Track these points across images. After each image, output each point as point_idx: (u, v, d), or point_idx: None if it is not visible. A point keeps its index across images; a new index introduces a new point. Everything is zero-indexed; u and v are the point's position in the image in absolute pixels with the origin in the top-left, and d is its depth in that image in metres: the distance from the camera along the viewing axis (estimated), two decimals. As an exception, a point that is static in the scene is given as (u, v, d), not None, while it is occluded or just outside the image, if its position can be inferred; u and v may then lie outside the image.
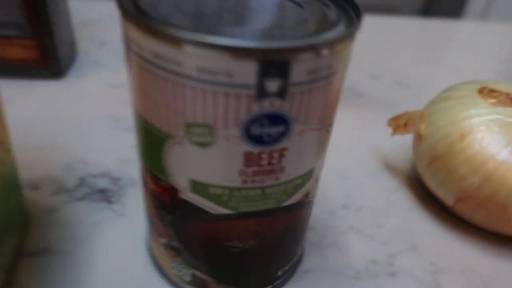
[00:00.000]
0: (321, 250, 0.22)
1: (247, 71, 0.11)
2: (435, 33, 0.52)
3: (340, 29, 0.13)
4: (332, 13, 0.14)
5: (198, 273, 0.17)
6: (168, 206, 0.16)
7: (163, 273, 0.19)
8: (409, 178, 0.27)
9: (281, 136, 0.13)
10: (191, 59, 0.11)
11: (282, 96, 0.12)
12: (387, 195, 0.26)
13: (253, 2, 0.15)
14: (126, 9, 0.12)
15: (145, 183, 0.16)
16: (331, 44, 0.12)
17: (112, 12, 0.46)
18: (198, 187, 0.14)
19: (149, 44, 0.12)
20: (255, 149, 0.13)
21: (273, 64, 0.11)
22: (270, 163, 0.14)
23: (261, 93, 0.12)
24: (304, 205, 0.16)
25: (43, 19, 0.29)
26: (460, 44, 0.50)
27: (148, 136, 0.14)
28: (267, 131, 0.13)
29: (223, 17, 0.13)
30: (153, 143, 0.14)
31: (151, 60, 0.12)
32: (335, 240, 0.22)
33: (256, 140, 0.13)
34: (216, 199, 0.14)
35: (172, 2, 0.14)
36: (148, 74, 0.13)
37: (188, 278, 0.18)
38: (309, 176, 0.15)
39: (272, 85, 0.12)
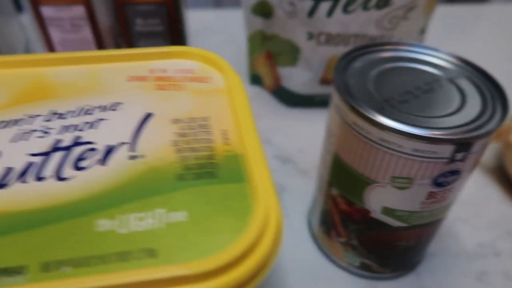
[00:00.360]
0: (438, 238, 0.29)
1: (446, 149, 0.18)
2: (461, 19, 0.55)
3: (498, 115, 0.19)
4: (486, 100, 0.20)
5: (366, 261, 0.25)
6: (356, 221, 0.23)
7: (333, 260, 0.27)
8: (498, 176, 0.34)
9: (454, 181, 0.20)
10: (409, 143, 0.18)
11: (463, 160, 0.19)
12: (479, 190, 0.32)
13: (422, 83, 0.21)
14: (355, 107, 0.19)
15: (335, 203, 0.23)
16: (497, 127, 0.18)
17: (207, 23, 0.52)
18: (388, 210, 0.21)
19: (375, 132, 0.18)
20: (436, 190, 0.20)
21: (463, 144, 0.18)
22: (442, 197, 0.20)
23: (451, 160, 0.18)
24: (444, 217, 0.23)
25: (179, 29, 0.35)
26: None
27: (350, 176, 0.21)
28: (447, 179, 0.19)
29: (411, 103, 0.19)
30: (355, 182, 0.21)
31: (375, 141, 0.19)
32: (447, 229, 0.29)
33: (438, 185, 0.19)
34: (399, 218, 0.21)
35: (359, 84, 0.20)
36: (365, 145, 0.19)
37: (356, 264, 0.25)
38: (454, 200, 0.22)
39: (460, 155, 0.18)
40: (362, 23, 0.32)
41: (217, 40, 0.48)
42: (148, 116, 0.17)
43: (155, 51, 0.20)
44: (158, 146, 0.16)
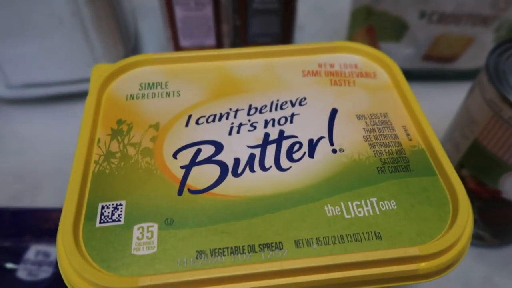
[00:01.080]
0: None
1: None
2: None
3: None
4: None
5: (481, 232, 0.27)
6: (483, 199, 0.25)
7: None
8: None
9: None
10: None
11: None
12: None
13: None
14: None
15: (463, 182, 0.25)
16: None
17: None
18: (520, 193, 0.23)
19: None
20: None
21: None
22: None
23: None
24: None
25: (291, 28, 0.37)
26: None
27: (490, 162, 0.23)
28: None
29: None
30: (495, 167, 0.23)
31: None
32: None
33: None
34: (529, 200, 0.24)
35: None
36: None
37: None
38: None
39: None
40: (477, 2, 0.32)
41: (303, 9, 0.49)
42: (334, 112, 0.20)
43: (322, 46, 0.22)
44: (353, 141, 0.18)
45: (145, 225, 0.16)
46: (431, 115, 0.37)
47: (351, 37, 0.41)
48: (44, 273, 0.25)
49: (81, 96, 0.37)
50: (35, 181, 0.31)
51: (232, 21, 0.36)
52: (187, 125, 0.19)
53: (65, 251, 0.14)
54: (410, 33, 0.35)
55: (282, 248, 0.15)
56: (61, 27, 0.32)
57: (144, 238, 0.15)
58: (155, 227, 0.16)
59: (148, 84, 0.21)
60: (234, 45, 0.38)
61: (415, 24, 0.35)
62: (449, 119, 0.34)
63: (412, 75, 0.39)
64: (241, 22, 0.35)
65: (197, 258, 0.15)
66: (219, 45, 0.38)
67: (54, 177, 0.31)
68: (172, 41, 0.37)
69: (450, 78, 0.40)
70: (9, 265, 0.25)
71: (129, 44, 0.38)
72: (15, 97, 0.36)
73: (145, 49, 0.42)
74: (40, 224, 0.27)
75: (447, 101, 0.37)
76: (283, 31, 0.37)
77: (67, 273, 0.14)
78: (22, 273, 0.25)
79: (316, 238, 0.15)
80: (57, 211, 0.28)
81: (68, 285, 0.14)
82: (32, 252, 0.26)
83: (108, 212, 0.16)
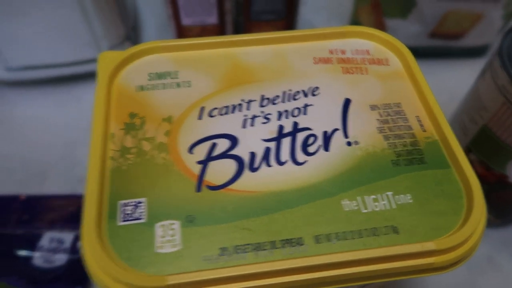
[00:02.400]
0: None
1: None
2: None
3: None
4: None
5: (484, 213, 0.28)
6: (490, 183, 0.25)
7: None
8: None
9: None
10: None
11: None
12: None
13: None
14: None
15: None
16: None
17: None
18: (526, 177, 0.24)
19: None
20: None
21: None
22: None
23: None
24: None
25: (295, 4, 0.36)
26: None
27: (499, 148, 0.23)
28: None
29: None
30: (503, 153, 0.23)
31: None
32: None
33: None
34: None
35: None
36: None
37: (474, 215, 0.29)
38: None
39: None
40: (487, -22, 0.31)
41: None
42: (347, 102, 0.19)
43: (332, 31, 0.22)
44: (367, 133, 0.18)
45: (167, 222, 0.16)
46: (437, 92, 0.37)
47: (356, 13, 0.40)
48: (60, 260, 0.26)
49: (82, 77, 0.36)
50: (41, 167, 0.31)
51: (236, 3, 0.35)
52: (200, 117, 0.19)
53: (91, 252, 0.15)
54: (418, 9, 0.35)
55: (303, 243, 0.16)
56: (59, 7, 0.30)
57: (167, 236, 0.15)
58: (177, 225, 0.16)
59: (157, 73, 0.21)
60: (236, 22, 0.37)
61: (423, 1, 0.34)
62: (455, 97, 0.34)
63: (418, 52, 0.38)
64: (245, 4, 0.34)
65: (220, 255, 0.15)
66: (221, 23, 0.37)
67: (60, 162, 0.31)
68: (173, 19, 0.36)
69: (456, 55, 0.39)
70: (23, 253, 0.26)
71: (128, 23, 0.37)
72: (15, 80, 0.35)
73: (144, 28, 0.41)
74: (52, 210, 0.27)
75: (454, 78, 0.37)
76: (287, 7, 0.36)
77: (96, 273, 0.14)
78: (38, 261, 0.25)
79: (335, 233, 0.16)
80: (67, 198, 0.28)
81: (98, 285, 0.15)
82: (46, 239, 0.26)
83: (130, 210, 0.16)
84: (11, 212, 0.27)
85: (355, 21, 0.41)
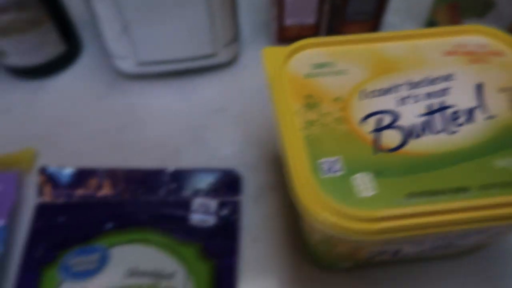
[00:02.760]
0: None
1: None
2: None
3: None
4: None
5: None
6: None
7: None
8: None
9: None
10: None
11: None
12: None
13: None
14: None
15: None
16: None
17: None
18: None
19: None
20: None
21: None
22: None
23: None
24: None
25: (384, 6, 0.40)
26: None
27: None
28: None
29: None
30: None
31: None
32: None
33: None
34: None
35: None
36: None
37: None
38: None
39: None
40: None
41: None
42: (480, 86, 0.24)
43: (453, 29, 0.27)
44: (502, 110, 0.23)
45: (361, 175, 0.21)
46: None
47: (433, 13, 0.44)
48: (210, 220, 0.31)
49: (199, 71, 0.41)
50: (175, 146, 0.36)
51: (332, 0, 0.40)
52: (363, 98, 0.24)
53: (308, 197, 0.20)
54: (497, 9, 0.39)
55: (467, 191, 0.20)
56: (191, 10, 0.36)
57: (364, 185, 0.20)
58: (369, 176, 0.20)
59: (318, 64, 0.25)
60: (331, 22, 0.42)
61: (503, 1, 0.38)
62: None
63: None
64: (342, 1, 0.39)
65: (407, 199, 0.20)
66: (318, 23, 0.41)
67: (192, 143, 0.36)
68: (277, 20, 0.40)
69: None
70: (180, 213, 0.31)
71: (237, 24, 0.42)
72: (144, 73, 0.40)
73: (243, 29, 0.45)
74: (194, 182, 0.32)
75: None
76: (377, 9, 0.40)
77: (315, 211, 0.19)
78: (193, 221, 0.30)
79: (494, 184, 0.20)
80: (205, 171, 0.33)
81: (320, 225, 0.19)
82: (195, 204, 0.31)
83: (329, 165, 0.21)
84: (161, 183, 0.32)
85: (432, 21, 0.45)
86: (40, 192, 0.32)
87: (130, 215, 0.30)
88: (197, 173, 0.33)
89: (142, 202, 0.31)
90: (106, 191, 0.32)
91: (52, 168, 0.32)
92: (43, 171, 0.32)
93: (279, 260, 0.30)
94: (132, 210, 0.31)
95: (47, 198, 0.32)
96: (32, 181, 0.34)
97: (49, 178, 0.32)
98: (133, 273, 0.27)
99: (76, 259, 0.28)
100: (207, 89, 0.40)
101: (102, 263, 0.28)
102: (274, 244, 0.31)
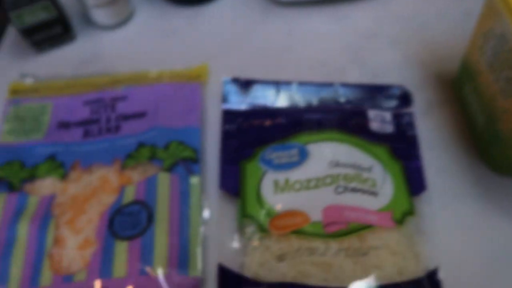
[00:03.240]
0: None
1: None
2: None
3: None
4: None
5: None
6: None
7: None
8: None
9: None
10: None
11: None
12: None
13: None
14: None
15: None
16: None
17: None
18: None
19: None
20: None
21: None
22: None
23: None
24: None
25: None
26: None
27: None
28: None
29: None
30: None
31: None
32: None
33: None
34: None
35: None
36: None
37: None
38: None
39: None
40: None
41: None
42: None
43: None
44: None
45: None
46: None
47: None
48: (388, 129, 0.32)
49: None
50: (338, 65, 0.38)
51: None
52: None
53: None
54: None
55: None
56: None
57: None
58: None
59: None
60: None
61: None
62: None
63: None
64: None
65: None
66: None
67: (351, 63, 0.38)
68: None
69: None
70: (360, 121, 0.32)
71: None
72: (294, 0, 0.42)
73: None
74: (368, 95, 0.34)
75: None
76: None
77: None
78: (374, 127, 0.32)
79: None
80: (372, 87, 0.35)
81: None
82: (372, 114, 0.33)
83: None
84: (337, 95, 0.34)
85: None
86: (225, 99, 0.34)
87: (316, 120, 0.33)
88: (367, 88, 0.34)
89: (323, 109, 0.33)
90: (282, 101, 0.34)
91: (231, 78, 0.35)
92: (227, 81, 0.35)
93: (457, 166, 0.32)
94: (316, 116, 0.33)
95: (231, 105, 0.34)
96: (212, 90, 0.36)
97: (230, 88, 0.34)
98: (336, 164, 0.29)
99: (275, 153, 0.30)
100: (360, 15, 0.41)
101: (302, 156, 0.30)
102: (449, 151, 0.33)
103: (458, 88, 0.35)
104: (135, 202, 0.29)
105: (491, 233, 0.29)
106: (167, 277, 0.26)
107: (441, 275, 0.26)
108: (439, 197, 0.31)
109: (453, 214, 0.30)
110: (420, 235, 0.28)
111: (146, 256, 0.27)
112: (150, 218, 0.28)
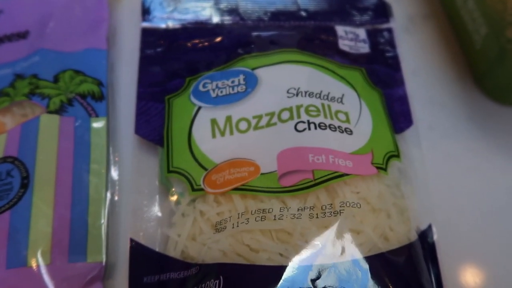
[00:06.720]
0: None
1: None
2: None
3: None
4: None
5: None
6: None
7: None
8: None
9: None
10: None
11: None
12: None
13: None
14: None
15: None
16: None
17: None
18: None
19: None
20: None
21: None
22: None
23: None
24: None
25: None
26: None
27: None
28: None
29: None
30: None
31: None
32: None
33: None
34: None
35: None
36: None
37: None
38: None
39: None
40: None
41: None
42: None
43: None
44: None
45: None
46: None
47: None
48: (363, 48, 0.25)
49: None
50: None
51: None
52: None
53: None
54: None
55: None
56: None
57: None
58: None
59: None
60: None
61: None
62: None
63: None
64: None
65: None
66: None
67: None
68: None
69: None
70: (328, 39, 0.24)
71: None
72: None
73: None
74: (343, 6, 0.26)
75: None
76: None
77: None
78: (344, 47, 0.24)
79: None
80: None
81: None
82: (341, 31, 0.25)
83: None
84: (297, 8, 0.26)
85: None
86: (145, 14, 0.25)
87: (268, 38, 0.24)
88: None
89: (278, 25, 0.25)
90: (222, 16, 0.25)
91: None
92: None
93: (448, 95, 0.25)
94: (268, 34, 0.24)
95: (154, 22, 0.25)
96: (127, 1, 0.27)
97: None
98: (296, 93, 0.21)
99: (213, 83, 0.22)
100: None
101: (250, 85, 0.22)
102: (437, 77, 0.26)
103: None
104: (3, 159, 0.20)
105: (494, 176, 0.23)
106: (50, 268, 0.18)
107: (435, 236, 0.20)
108: (429, 134, 0.24)
109: (447, 156, 0.23)
110: (407, 184, 0.21)
111: (17, 239, 0.18)
112: (26, 183, 0.19)
